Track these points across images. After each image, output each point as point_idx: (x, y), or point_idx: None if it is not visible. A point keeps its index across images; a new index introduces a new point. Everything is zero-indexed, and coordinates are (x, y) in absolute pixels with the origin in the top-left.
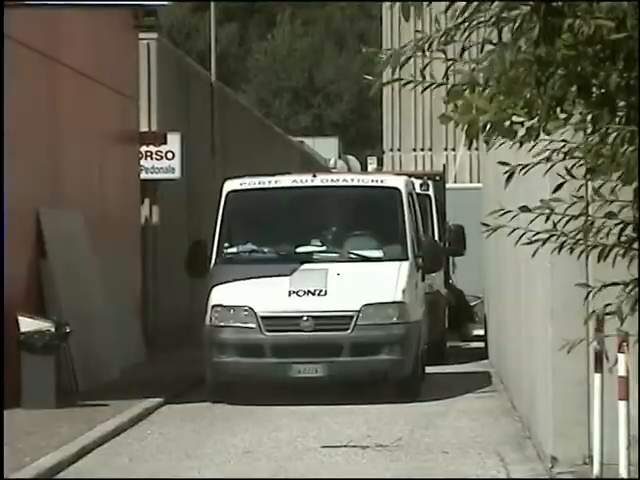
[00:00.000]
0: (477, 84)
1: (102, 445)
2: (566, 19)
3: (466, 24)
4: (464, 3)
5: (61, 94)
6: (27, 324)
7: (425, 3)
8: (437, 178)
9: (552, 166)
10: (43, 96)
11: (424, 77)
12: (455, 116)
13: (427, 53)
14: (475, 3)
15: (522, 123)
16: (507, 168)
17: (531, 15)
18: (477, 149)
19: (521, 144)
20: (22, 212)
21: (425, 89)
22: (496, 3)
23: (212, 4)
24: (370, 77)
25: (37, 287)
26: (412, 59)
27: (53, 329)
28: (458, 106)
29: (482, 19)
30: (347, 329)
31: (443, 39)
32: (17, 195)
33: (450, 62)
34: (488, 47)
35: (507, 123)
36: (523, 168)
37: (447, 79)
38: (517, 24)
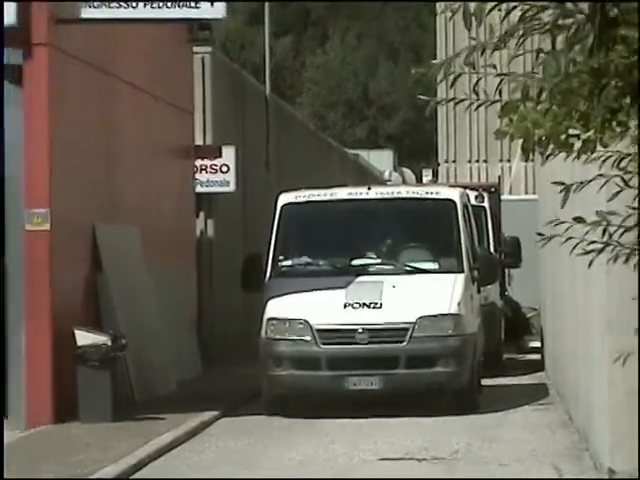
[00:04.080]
0: (530, 99)
1: (158, 458)
2: (621, 29)
3: (521, 31)
4: (520, 10)
5: (117, 108)
6: (83, 338)
7: (485, 10)
8: (492, 190)
9: (607, 181)
10: (100, 111)
11: (477, 94)
12: (510, 130)
13: (479, 69)
14: (533, 10)
15: (578, 136)
16: (561, 187)
17: (585, 24)
18: (532, 161)
19: (578, 156)
20: (78, 226)
21: (479, 106)
22: (551, 10)
23: (267, 17)
24: (425, 97)
25: (93, 301)
26: (465, 76)
27: (109, 343)
28: (513, 120)
29: (537, 26)
30: (403, 341)
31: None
32: (73, 209)
33: (502, 77)
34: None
35: (563, 136)
36: (579, 185)
37: (500, 95)
38: (571, 32)
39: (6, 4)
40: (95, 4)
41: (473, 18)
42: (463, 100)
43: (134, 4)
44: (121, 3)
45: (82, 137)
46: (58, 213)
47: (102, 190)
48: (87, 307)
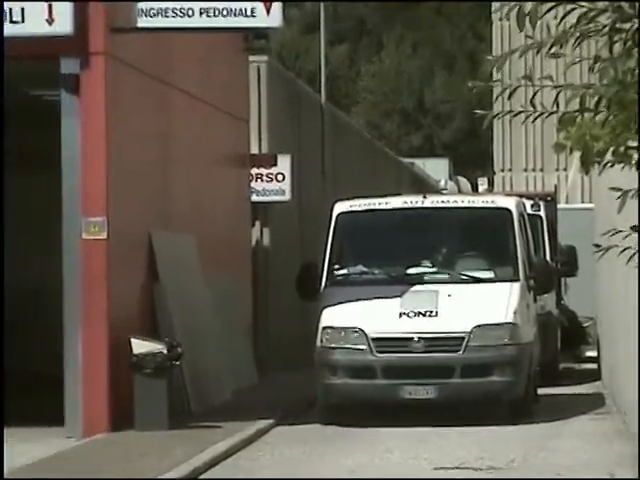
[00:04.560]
0: (587, 109)
1: (214, 466)
2: None
3: (577, 33)
4: (578, 13)
5: (173, 117)
6: (140, 346)
7: (540, 11)
8: (548, 198)
9: None
10: (156, 119)
11: (534, 106)
12: (568, 143)
13: (536, 81)
14: (590, 13)
15: (638, 147)
16: (619, 193)
17: None
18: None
19: (638, 167)
20: (135, 235)
21: (535, 119)
22: (609, 14)
23: (322, 25)
24: (481, 111)
25: (150, 309)
26: (521, 88)
27: (165, 351)
28: (570, 133)
29: (593, 30)
30: (458, 350)
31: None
32: (130, 218)
33: (559, 88)
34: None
35: (622, 148)
36: (637, 191)
37: (557, 106)
38: (629, 35)
39: (63, 14)
40: (151, 13)
41: (527, 19)
42: (520, 112)
43: (190, 13)
44: (177, 12)
45: (138, 146)
46: (115, 222)
47: (158, 198)
48: (143, 316)
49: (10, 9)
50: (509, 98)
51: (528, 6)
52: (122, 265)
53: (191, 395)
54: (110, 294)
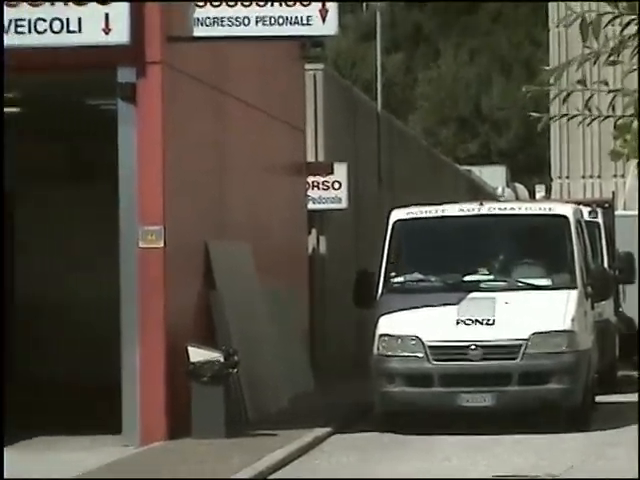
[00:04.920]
0: None
1: (272, 474)
2: None
3: (636, 41)
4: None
5: (230, 126)
6: (196, 354)
7: (602, 22)
8: (606, 205)
9: None
10: (212, 128)
11: (590, 110)
12: (625, 151)
13: (591, 85)
14: None
15: None
16: None
17: None
18: None
19: None
20: (191, 243)
21: (591, 122)
22: None
23: (378, 33)
24: (537, 114)
25: (206, 317)
26: (577, 93)
27: (222, 359)
28: (627, 140)
29: None
30: (515, 358)
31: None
32: (186, 227)
33: (615, 93)
34: None
35: None
36: None
37: (613, 110)
38: None
39: (119, 23)
40: (207, 22)
41: (590, 30)
42: (575, 116)
43: (246, 22)
44: (233, 21)
45: (195, 154)
46: (171, 230)
47: (214, 207)
48: (200, 324)
49: (67, 19)
50: (564, 102)
51: (589, 17)
52: (179, 273)
53: (248, 403)
54: (167, 302)
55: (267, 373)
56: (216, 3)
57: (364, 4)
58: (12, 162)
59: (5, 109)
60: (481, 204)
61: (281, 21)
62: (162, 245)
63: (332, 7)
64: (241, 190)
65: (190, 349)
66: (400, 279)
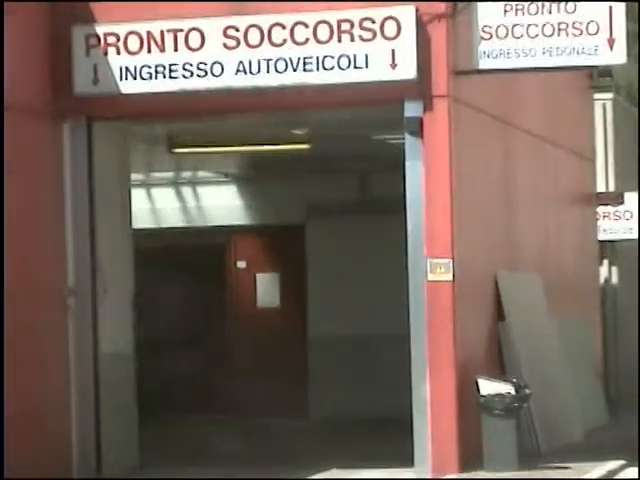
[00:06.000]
0: None
1: None
2: None
3: None
4: None
5: (515, 157)
6: (487, 387)
7: None
8: None
9: None
10: (498, 159)
11: None
12: None
13: None
14: None
15: None
16: None
17: None
18: None
19: None
20: (480, 276)
21: None
22: None
23: None
24: None
25: (496, 350)
26: None
27: (513, 391)
28: None
29: None
30: None
31: None
32: (474, 259)
33: None
34: None
35: None
36: None
37: None
38: None
39: (406, 58)
40: (493, 54)
41: None
42: None
43: (532, 53)
44: (519, 52)
45: (481, 186)
46: (460, 263)
47: (502, 238)
48: (489, 356)
49: (355, 55)
50: None
51: None
52: (467, 306)
53: (540, 435)
54: (457, 335)
55: (559, 406)
56: (501, 35)
57: None
58: (302, 196)
59: (295, 146)
60: None
61: (568, 51)
62: (451, 278)
63: (620, 36)
64: (529, 220)
65: (480, 381)
66: None
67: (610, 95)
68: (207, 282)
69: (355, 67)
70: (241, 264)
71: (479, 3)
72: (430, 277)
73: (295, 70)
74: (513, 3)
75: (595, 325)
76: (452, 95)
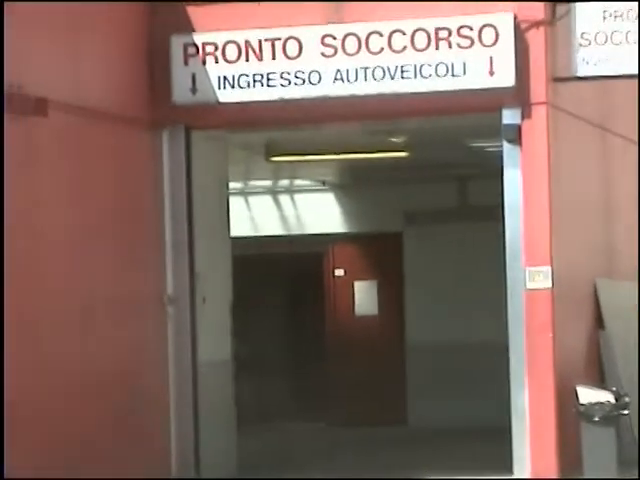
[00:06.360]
0: None
1: None
2: None
3: None
4: None
5: (614, 163)
6: (586, 395)
7: None
8: None
9: None
10: (597, 167)
11: None
12: None
13: None
14: None
15: None
16: None
17: None
18: None
19: None
20: (579, 284)
21: None
22: None
23: None
24: None
25: (595, 358)
26: None
27: (613, 400)
28: None
29: None
30: None
31: None
32: (573, 267)
33: None
34: None
35: None
36: None
37: None
38: None
39: (504, 66)
40: (592, 61)
41: None
42: None
43: (631, 59)
44: (618, 59)
45: (580, 194)
46: (559, 271)
47: (602, 246)
48: (588, 364)
49: (452, 64)
50: None
51: None
52: (567, 314)
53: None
54: (556, 343)
55: None
56: (600, 42)
57: None
58: (400, 203)
59: (392, 154)
60: None
61: None
62: (550, 286)
63: None
64: (628, 227)
65: (579, 390)
66: None
67: None
68: (305, 290)
69: (453, 75)
70: (339, 272)
71: (578, 10)
72: (529, 285)
73: (392, 78)
74: (612, 9)
75: None
76: (551, 102)
